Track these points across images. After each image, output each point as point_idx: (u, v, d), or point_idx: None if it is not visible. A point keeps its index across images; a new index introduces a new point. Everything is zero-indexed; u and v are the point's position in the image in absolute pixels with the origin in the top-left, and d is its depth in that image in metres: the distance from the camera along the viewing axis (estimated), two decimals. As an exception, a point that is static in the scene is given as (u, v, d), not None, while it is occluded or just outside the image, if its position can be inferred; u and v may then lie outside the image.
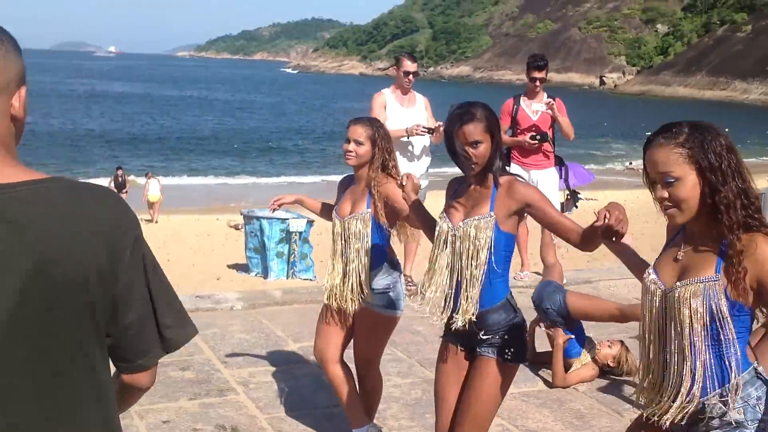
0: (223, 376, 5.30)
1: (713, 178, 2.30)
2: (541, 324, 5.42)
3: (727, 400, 2.32)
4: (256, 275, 13.88)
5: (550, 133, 7.72)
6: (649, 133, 2.45)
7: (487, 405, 3.22)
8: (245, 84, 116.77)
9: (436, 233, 3.28)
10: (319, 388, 5.18)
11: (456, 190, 3.33)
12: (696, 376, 2.33)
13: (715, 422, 2.34)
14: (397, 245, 4.27)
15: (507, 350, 3.19)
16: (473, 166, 3.14)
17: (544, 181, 7.75)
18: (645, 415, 2.53)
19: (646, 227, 15.65)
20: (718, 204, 2.30)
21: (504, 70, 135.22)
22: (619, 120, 61.29)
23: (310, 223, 14.13)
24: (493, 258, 3.14)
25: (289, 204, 4.45)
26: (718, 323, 2.30)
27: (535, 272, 8.27)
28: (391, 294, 4.05)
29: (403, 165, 6.99)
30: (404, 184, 3.54)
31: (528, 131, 7.68)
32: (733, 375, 2.32)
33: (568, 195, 8.05)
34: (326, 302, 4.19)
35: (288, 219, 13.82)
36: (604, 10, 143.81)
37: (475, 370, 3.23)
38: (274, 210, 4.43)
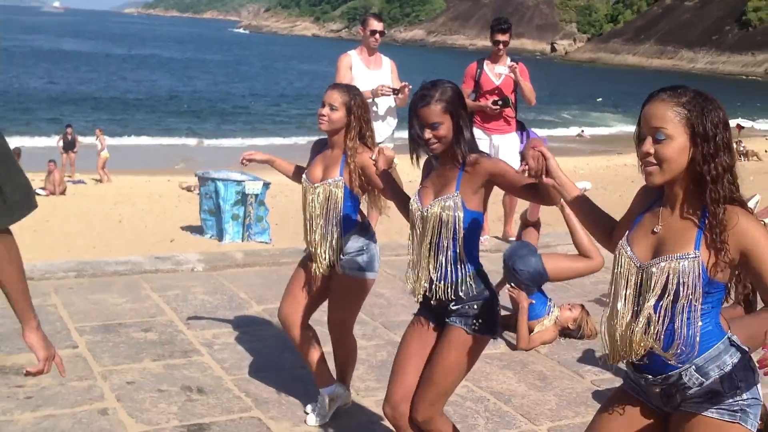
0: (186, 338, 5.27)
1: (705, 148, 2.29)
2: (508, 286, 5.49)
3: (705, 371, 2.35)
4: (210, 237, 13.74)
5: (512, 98, 7.75)
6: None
7: (449, 372, 3.20)
8: (195, 43, 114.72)
9: (410, 213, 3.31)
10: (284, 349, 5.17)
11: (429, 170, 3.35)
12: (677, 350, 2.35)
13: (693, 391, 2.37)
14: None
15: (475, 320, 3.19)
16: (434, 146, 3.17)
17: (505, 146, 7.80)
18: (625, 384, 2.57)
19: (597, 194, 15.87)
20: (706, 174, 2.29)
21: (457, 35, 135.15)
22: (569, 87, 61.72)
23: (266, 185, 14.02)
24: (459, 236, 3.16)
25: (259, 161, 4.39)
26: (694, 299, 2.31)
27: (495, 236, 8.34)
28: (364, 257, 4.05)
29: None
30: (376, 158, 3.56)
31: (491, 95, 7.70)
32: (708, 345, 2.35)
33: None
34: (303, 265, 4.18)
35: (244, 181, 13.69)
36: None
37: (442, 339, 3.24)
38: (244, 164, 4.38)
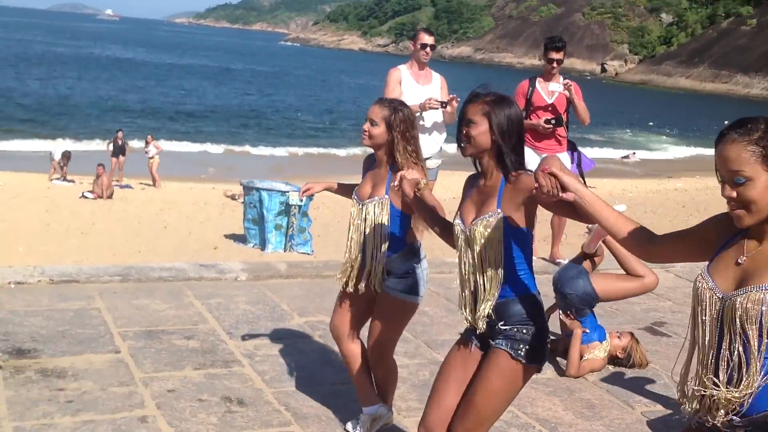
0: (228, 348, 5.21)
1: None
2: (560, 312, 5.35)
3: None
4: (253, 246, 13.78)
5: (564, 117, 7.63)
6: (723, 128, 2.33)
7: (491, 398, 3.05)
8: (244, 54, 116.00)
9: (455, 233, 3.20)
10: (325, 364, 5.10)
11: (471, 186, 3.24)
12: (756, 384, 2.23)
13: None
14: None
15: (523, 346, 3.04)
16: (462, 145, 3.10)
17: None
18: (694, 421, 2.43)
19: (645, 217, 15.60)
20: None
21: (505, 53, 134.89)
22: (620, 108, 61.10)
23: (310, 196, 13.99)
24: (506, 254, 3.03)
25: (319, 192, 4.33)
26: None
27: (542, 257, 8.19)
28: (410, 280, 3.96)
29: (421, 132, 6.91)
30: (399, 184, 3.35)
31: (543, 113, 7.58)
32: None
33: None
34: (342, 284, 4.11)
35: (288, 192, 13.69)
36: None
37: (486, 362, 3.09)
38: (302, 200, 4.33)
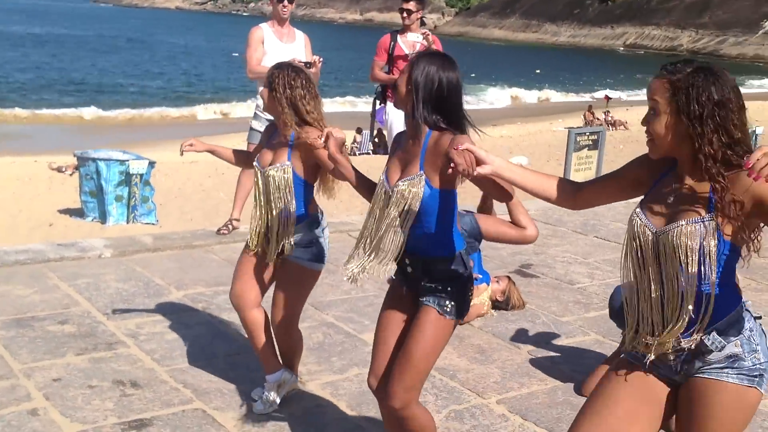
0: (108, 329, 4.97)
1: (691, 126, 2.29)
2: None
3: (727, 334, 2.37)
4: (92, 220, 13.09)
5: None
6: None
7: (427, 354, 3.10)
8: (51, 17, 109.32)
9: (376, 190, 3.17)
10: (215, 336, 4.97)
11: (399, 144, 3.21)
12: (693, 315, 2.35)
13: (714, 356, 2.37)
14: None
15: (449, 302, 3.11)
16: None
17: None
18: (628, 355, 2.54)
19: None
20: (698, 152, 2.30)
21: (326, 8, 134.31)
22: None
23: (152, 164, 13.48)
24: (429, 215, 3.04)
25: (200, 151, 4.16)
26: (710, 263, 2.31)
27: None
28: (314, 248, 3.93)
29: None
30: (325, 142, 3.25)
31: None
32: (729, 310, 2.38)
33: None
34: (252, 248, 4.00)
35: (127, 160, 13.10)
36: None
37: (417, 320, 3.13)
38: (182, 153, 4.14)
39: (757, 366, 2.37)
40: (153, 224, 12.95)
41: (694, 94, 2.29)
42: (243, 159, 4.28)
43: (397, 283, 3.28)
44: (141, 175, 13.20)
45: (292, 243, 3.86)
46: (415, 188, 3.01)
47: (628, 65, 66.43)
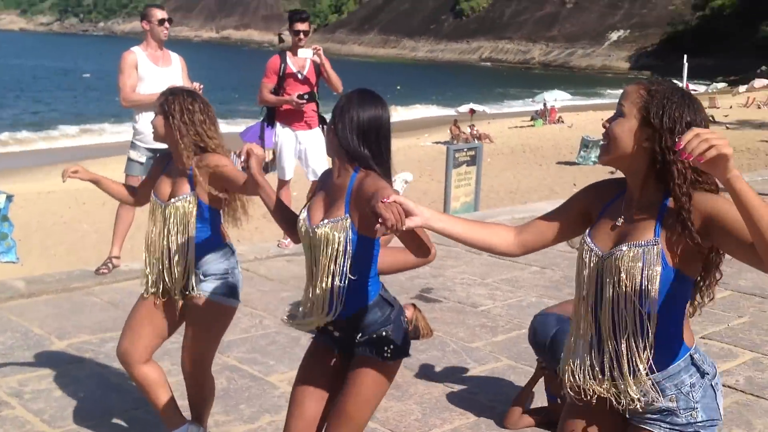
0: (-13, 390, 4.50)
1: (660, 139, 2.19)
2: None
3: (662, 387, 2.26)
4: (-55, 260, 12.21)
5: (316, 91, 7.55)
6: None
7: (365, 406, 2.90)
8: None
9: (299, 231, 2.96)
10: (108, 389, 4.58)
11: (325, 181, 3.00)
12: (636, 351, 2.24)
13: (648, 406, 2.27)
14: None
15: (387, 348, 2.90)
16: None
17: (313, 145, 7.57)
18: (574, 396, 2.41)
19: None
20: (670, 166, 2.18)
21: (181, 26, 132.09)
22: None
23: (9, 198, 12.63)
24: (351, 262, 2.83)
25: (84, 180, 3.80)
26: (654, 291, 2.20)
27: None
28: (229, 280, 3.62)
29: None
30: (246, 160, 3.03)
31: (299, 85, 7.46)
32: (669, 360, 2.27)
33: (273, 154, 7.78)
34: (147, 293, 3.65)
35: (-17, 195, 12.27)
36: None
37: (354, 370, 2.91)
38: (65, 180, 3.77)
39: (692, 423, 2.26)
40: (14, 263, 12.13)
41: (668, 107, 2.20)
42: (133, 193, 3.96)
43: (321, 342, 3.04)
44: (-1, 210, 12.41)
45: (202, 277, 3.57)
46: (339, 231, 2.82)
47: (488, 79, 68.45)
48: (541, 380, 4.34)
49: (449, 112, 38.04)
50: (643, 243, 2.22)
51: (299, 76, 7.46)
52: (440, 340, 5.43)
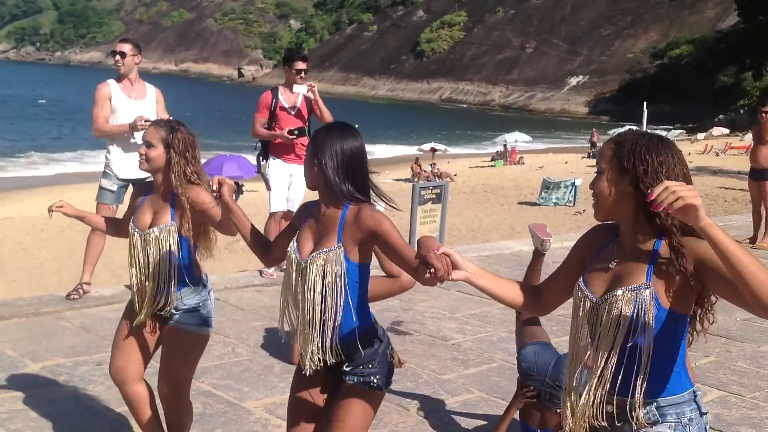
0: (-38, 410, 4.47)
1: (635, 181, 2.31)
2: None
3: (664, 413, 2.36)
4: None
5: (306, 126, 7.67)
6: None
7: None
8: None
9: (287, 262, 3.05)
10: (85, 412, 4.58)
11: (308, 213, 3.10)
12: (634, 385, 2.34)
13: (643, 429, 2.36)
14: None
15: (374, 378, 3.01)
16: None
17: (300, 177, 7.65)
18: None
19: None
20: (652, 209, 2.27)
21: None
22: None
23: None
24: (346, 291, 2.93)
25: (70, 215, 3.87)
26: (649, 332, 2.30)
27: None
28: (202, 311, 3.73)
29: (128, 161, 6.45)
30: (219, 189, 3.15)
31: (291, 119, 7.58)
32: (675, 390, 2.38)
33: None
34: (129, 315, 3.72)
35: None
36: (238, 3, 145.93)
37: (341, 400, 3.01)
38: (51, 215, 3.83)
39: None
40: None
41: (638, 150, 2.32)
42: (115, 225, 4.06)
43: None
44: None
45: (176, 306, 3.65)
46: (332, 261, 2.91)
47: (449, 119, 69.12)
48: (517, 413, 4.42)
49: (410, 150, 38.34)
50: (635, 287, 2.32)
51: (291, 111, 7.59)
52: (412, 372, 5.51)
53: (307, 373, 3.00)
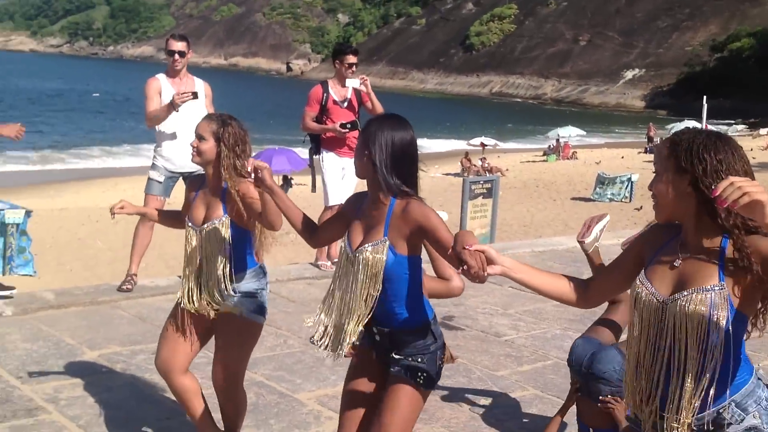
0: (24, 394, 4.56)
1: (695, 181, 2.27)
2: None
3: (744, 406, 2.31)
4: (-38, 272, 12.29)
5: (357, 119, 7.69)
6: None
7: (403, 425, 3.02)
8: None
9: (339, 254, 3.11)
10: (141, 400, 4.64)
11: (358, 206, 3.13)
12: (707, 387, 2.29)
13: (733, 428, 2.32)
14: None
15: (421, 374, 3.02)
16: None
17: (352, 170, 7.67)
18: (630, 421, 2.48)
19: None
20: (705, 210, 2.27)
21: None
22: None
23: (29, 213, 12.74)
24: (394, 283, 2.96)
25: (131, 214, 3.94)
26: (720, 333, 2.26)
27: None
28: (259, 299, 3.74)
29: (176, 155, 6.53)
30: (258, 175, 3.15)
31: (343, 112, 7.59)
32: (743, 380, 2.34)
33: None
34: (180, 306, 3.76)
35: (2, 210, 12.36)
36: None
37: (391, 393, 3.03)
38: (113, 216, 3.88)
39: None
40: (31, 276, 12.22)
41: (695, 149, 2.28)
42: (170, 217, 4.11)
43: (365, 347, 3.15)
44: (17, 225, 12.47)
45: (234, 294, 3.66)
46: (378, 254, 2.94)
47: (499, 113, 68.64)
48: (573, 409, 4.37)
49: (459, 144, 38.19)
50: (709, 287, 2.27)
51: (342, 104, 7.61)
52: (465, 367, 5.48)
53: (342, 354, 3.04)
